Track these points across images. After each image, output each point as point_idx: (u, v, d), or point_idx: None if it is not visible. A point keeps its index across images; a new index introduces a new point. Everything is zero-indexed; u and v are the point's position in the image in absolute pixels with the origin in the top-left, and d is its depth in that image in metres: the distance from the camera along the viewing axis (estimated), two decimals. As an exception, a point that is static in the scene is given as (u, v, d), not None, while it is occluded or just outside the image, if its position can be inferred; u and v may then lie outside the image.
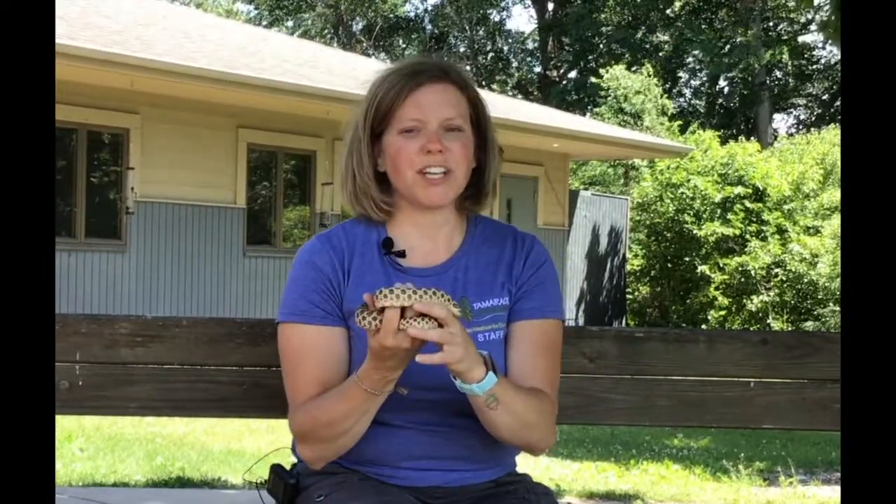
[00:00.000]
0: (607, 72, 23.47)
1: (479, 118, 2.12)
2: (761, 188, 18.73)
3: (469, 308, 2.02)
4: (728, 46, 29.57)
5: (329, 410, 1.98)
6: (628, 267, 20.49)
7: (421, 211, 2.10)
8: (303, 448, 2.07)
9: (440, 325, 1.83)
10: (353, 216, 2.17)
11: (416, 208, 2.10)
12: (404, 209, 2.11)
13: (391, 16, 36.46)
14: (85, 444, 6.74)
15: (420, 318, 1.82)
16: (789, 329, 17.34)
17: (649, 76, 22.88)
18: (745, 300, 18.51)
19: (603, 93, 22.67)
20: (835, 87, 32.28)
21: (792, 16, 31.50)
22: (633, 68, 24.76)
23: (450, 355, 1.83)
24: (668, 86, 31.24)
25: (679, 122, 22.91)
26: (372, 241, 2.11)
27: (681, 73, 33.31)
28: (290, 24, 37.19)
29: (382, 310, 1.83)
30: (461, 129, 2.07)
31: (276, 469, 2.17)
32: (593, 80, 24.33)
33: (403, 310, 1.82)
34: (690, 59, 32.13)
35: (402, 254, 2.09)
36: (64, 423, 7.06)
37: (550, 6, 34.66)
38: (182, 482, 5.66)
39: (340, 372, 2.04)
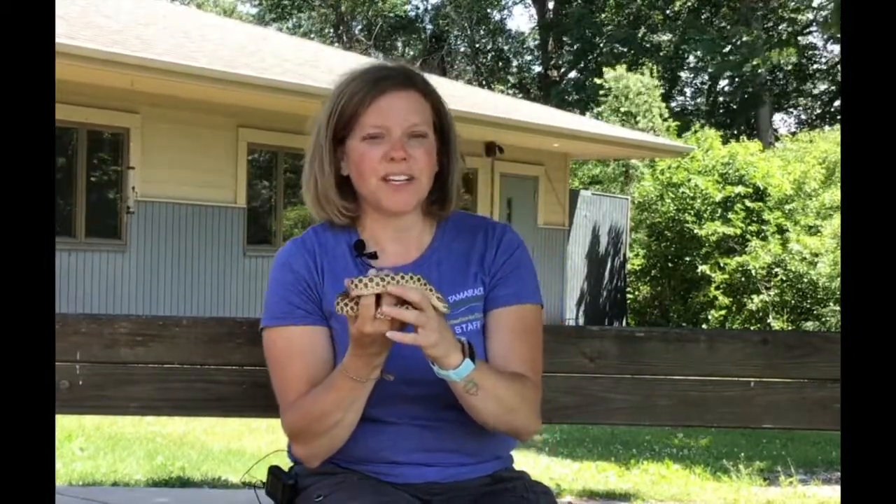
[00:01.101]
0: (611, 71, 23.46)
1: (442, 124, 2.13)
2: (762, 188, 18.73)
3: (444, 302, 2.03)
4: (729, 46, 29.54)
5: (319, 403, 1.99)
6: (629, 266, 20.49)
7: (386, 216, 2.11)
8: (297, 447, 2.08)
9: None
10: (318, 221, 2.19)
11: (381, 213, 2.11)
12: (370, 214, 2.13)
13: (391, 15, 36.45)
14: (85, 444, 6.74)
15: (399, 304, 1.84)
16: (789, 329, 17.33)
17: (652, 76, 22.87)
18: (745, 300, 18.50)
19: (604, 92, 22.67)
20: (835, 87, 32.27)
21: (793, 16, 31.49)
22: (634, 68, 24.68)
23: (423, 338, 1.85)
24: (668, 85, 31.25)
25: (678, 123, 22.90)
26: (343, 243, 2.13)
27: (682, 73, 33.29)
28: (290, 24, 37.18)
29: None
30: (425, 135, 2.08)
31: (274, 470, 2.17)
32: (596, 80, 24.30)
33: (380, 297, 1.84)
34: (692, 58, 32.11)
35: (373, 255, 2.11)
36: (64, 423, 7.06)
37: (551, 6, 34.65)
38: (182, 482, 5.66)
39: (327, 369, 2.05)
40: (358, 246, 2.11)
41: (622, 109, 21.91)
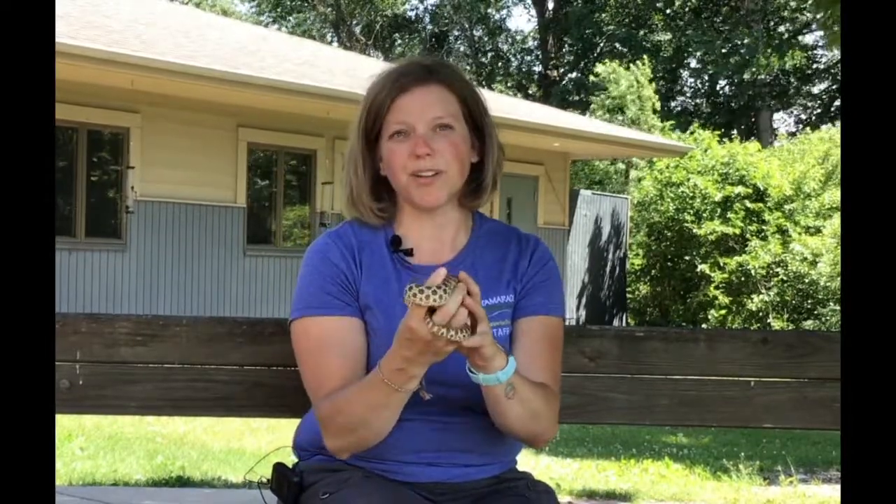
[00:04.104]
0: (604, 65, 23.52)
1: (472, 114, 2.13)
2: (762, 188, 18.72)
3: None
4: (729, 47, 29.52)
5: (350, 401, 1.96)
6: (628, 266, 20.49)
7: (421, 212, 2.12)
8: (326, 438, 2.04)
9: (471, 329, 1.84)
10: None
11: (416, 209, 2.12)
12: (406, 210, 2.14)
13: (391, 15, 36.42)
14: (85, 444, 6.74)
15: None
16: (789, 328, 17.32)
17: (643, 68, 22.85)
18: (745, 299, 18.50)
19: (600, 88, 22.70)
20: (834, 86, 32.25)
21: (793, 16, 31.47)
22: (629, 66, 24.67)
23: (483, 337, 1.84)
24: (668, 85, 31.23)
25: (672, 122, 22.91)
26: (380, 238, 2.13)
27: (682, 74, 33.28)
28: (289, 23, 37.16)
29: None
30: (450, 126, 2.08)
31: (280, 468, 2.16)
32: (592, 78, 24.38)
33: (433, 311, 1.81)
34: (692, 59, 32.08)
35: (409, 252, 2.11)
36: (64, 423, 7.06)
37: (551, 6, 34.64)
38: (182, 481, 5.66)
39: (362, 362, 2.03)
40: (395, 242, 2.11)
41: (608, 102, 21.96)
